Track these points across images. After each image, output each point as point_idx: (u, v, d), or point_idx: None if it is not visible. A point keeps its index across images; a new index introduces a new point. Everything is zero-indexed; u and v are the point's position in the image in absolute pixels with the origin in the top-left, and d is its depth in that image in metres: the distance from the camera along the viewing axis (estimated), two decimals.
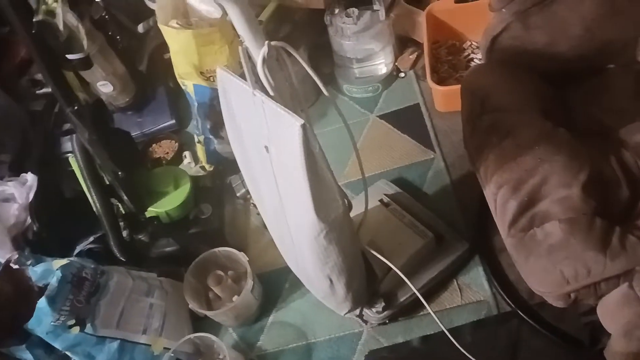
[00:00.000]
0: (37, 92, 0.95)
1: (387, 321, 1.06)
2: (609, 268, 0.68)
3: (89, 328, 0.93)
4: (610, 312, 0.69)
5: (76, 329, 0.91)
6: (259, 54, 0.55)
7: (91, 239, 1.25)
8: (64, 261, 0.94)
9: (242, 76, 0.65)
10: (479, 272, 1.09)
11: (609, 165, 0.85)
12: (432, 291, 1.07)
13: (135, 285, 1.02)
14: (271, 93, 0.59)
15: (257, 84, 0.59)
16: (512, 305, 1.02)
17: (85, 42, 0.88)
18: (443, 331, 1.02)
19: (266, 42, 0.53)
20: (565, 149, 0.83)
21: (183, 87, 1.25)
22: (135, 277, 1.04)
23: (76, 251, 1.24)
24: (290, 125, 0.57)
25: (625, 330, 0.68)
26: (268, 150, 0.67)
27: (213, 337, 1.00)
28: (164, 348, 1.03)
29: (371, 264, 0.97)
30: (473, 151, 0.89)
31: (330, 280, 0.85)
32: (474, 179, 1.20)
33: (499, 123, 0.87)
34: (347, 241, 0.78)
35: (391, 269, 1.02)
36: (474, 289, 1.07)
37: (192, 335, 1.01)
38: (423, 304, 1.05)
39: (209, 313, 1.04)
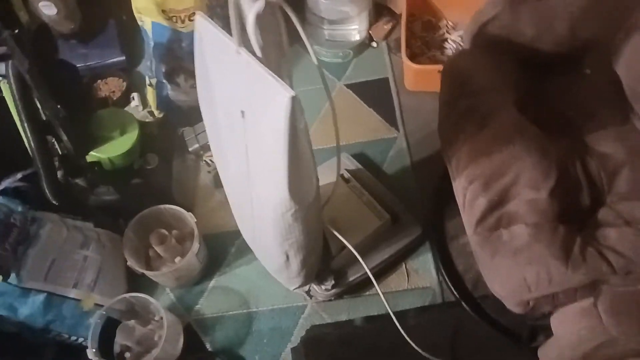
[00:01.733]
0: None
1: (333, 298, 1.04)
2: (569, 279, 0.69)
3: (13, 278, 0.85)
4: (566, 323, 0.70)
5: None
6: (252, 7, 0.47)
7: (19, 175, 1.13)
8: None
9: (224, 28, 0.57)
10: (428, 258, 1.09)
11: (574, 170, 0.86)
12: (381, 272, 1.06)
13: (70, 235, 0.93)
14: (258, 54, 0.52)
15: (243, 41, 0.52)
16: (457, 296, 1.04)
17: None
18: (387, 313, 1.02)
19: None
20: (537, 148, 0.82)
21: (140, 23, 1.13)
22: (70, 227, 0.95)
23: (0, 187, 1.12)
24: (277, 95, 0.51)
25: (573, 342, 0.69)
26: (243, 116, 0.61)
27: (150, 299, 0.94)
28: (96, 305, 0.96)
29: (327, 240, 0.93)
30: (446, 137, 0.87)
31: (287, 256, 0.81)
32: (435, 163, 1.20)
33: (475, 108, 0.85)
34: (313, 220, 0.74)
35: (345, 246, 1.00)
36: (421, 275, 1.08)
37: (127, 295, 0.94)
38: (370, 283, 1.04)
39: (148, 273, 0.98)
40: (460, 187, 0.81)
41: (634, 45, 0.91)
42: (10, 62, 0.91)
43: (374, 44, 1.37)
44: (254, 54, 0.53)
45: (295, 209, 0.67)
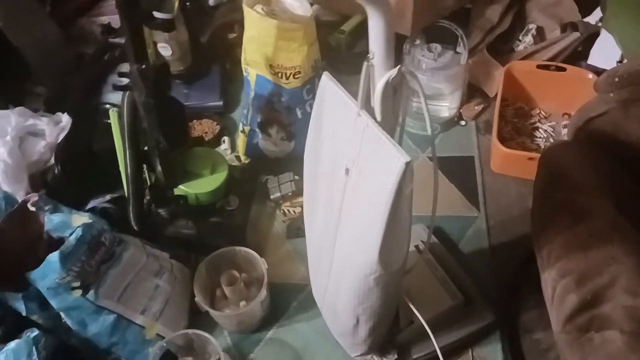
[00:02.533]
0: (110, 39, 0.89)
1: None
2: None
3: (91, 295, 0.87)
4: None
5: (78, 292, 0.85)
6: (383, 74, 0.49)
7: (108, 197, 1.20)
8: (85, 218, 0.88)
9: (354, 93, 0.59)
10: (497, 349, 1.03)
11: None
12: (446, 355, 1.00)
13: (148, 262, 0.96)
14: (378, 119, 0.54)
15: (365, 105, 0.54)
16: None
17: (176, 4, 0.83)
18: None
19: (399, 66, 0.48)
20: (637, 251, 0.78)
21: (245, 74, 1.20)
22: (149, 254, 0.98)
23: (89, 206, 1.19)
24: (392, 159, 0.52)
25: None
26: (348, 173, 0.62)
27: (211, 338, 0.93)
28: (157, 335, 0.97)
29: (398, 311, 0.91)
30: (539, 226, 0.84)
31: (357, 320, 0.80)
32: (513, 250, 1.17)
33: (573, 204, 0.83)
34: (393, 288, 0.73)
35: (413, 321, 0.96)
36: None
37: (190, 331, 0.95)
38: None
39: (212, 312, 0.98)
40: (550, 279, 0.77)
41: None
42: (128, 93, 0.99)
43: (463, 123, 1.38)
44: (373, 117, 0.54)
45: (380, 274, 0.66)
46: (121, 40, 0.86)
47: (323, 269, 0.82)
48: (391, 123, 0.56)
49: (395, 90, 0.53)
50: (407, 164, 0.51)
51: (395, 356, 0.95)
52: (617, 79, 0.82)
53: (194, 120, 1.40)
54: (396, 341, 0.96)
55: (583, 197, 0.83)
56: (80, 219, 0.88)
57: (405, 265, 0.72)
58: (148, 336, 0.95)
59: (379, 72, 0.50)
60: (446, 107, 1.36)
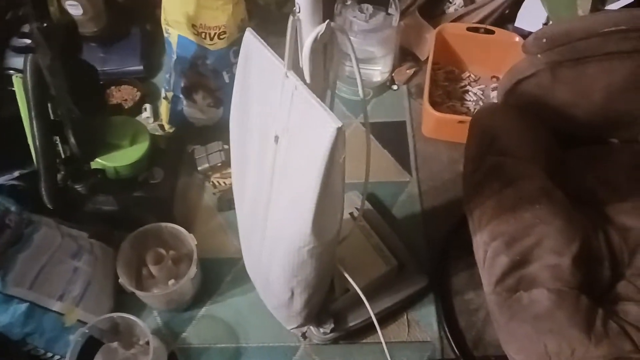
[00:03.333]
0: None
1: (328, 342, 0.99)
2: (591, 353, 0.65)
3: None
4: None
5: None
6: (311, 30, 0.45)
7: (16, 174, 1.09)
8: None
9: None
10: (431, 310, 1.05)
11: (596, 240, 0.84)
12: (381, 321, 1.00)
13: (64, 243, 0.88)
14: (307, 80, 0.50)
15: (293, 66, 0.50)
16: (457, 353, 0.99)
17: None
18: None
19: (327, 20, 0.44)
20: (563, 213, 0.80)
21: (165, 35, 1.11)
22: (65, 235, 0.90)
23: None
24: (323, 124, 0.49)
25: None
26: (277, 141, 0.57)
27: (138, 321, 0.88)
28: (78, 321, 0.90)
29: (333, 280, 0.89)
30: (471, 191, 0.84)
31: (292, 293, 0.77)
32: (445, 214, 1.18)
33: (504, 168, 0.83)
34: (327, 259, 0.70)
35: (348, 289, 0.95)
36: (422, 327, 1.03)
37: (114, 314, 0.89)
38: (368, 330, 1.00)
39: (139, 293, 0.92)
40: (481, 242, 0.78)
41: None
42: (30, 55, 0.88)
43: (395, 87, 1.36)
44: (302, 79, 0.50)
45: (313, 245, 0.64)
46: None
47: (255, 241, 0.78)
48: (321, 85, 0.52)
49: (325, 49, 0.49)
50: (339, 130, 0.47)
51: (332, 325, 0.94)
52: (544, 40, 0.82)
53: (112, 87, 1.29)
54: (332, 310, 0.95)
55: (512, 161, 0.84)
56: None
57: (339, 235, 0.69)
58: (68, 323, 0.88)
59: (307, 28, 0.46)
60: (378, 71, 1.34)
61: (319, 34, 0.45)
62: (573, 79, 0.85)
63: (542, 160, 0.85)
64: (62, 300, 0.87)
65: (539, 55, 0.84)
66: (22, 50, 0.85)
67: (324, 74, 0.52)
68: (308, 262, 0.68)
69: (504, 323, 0.70)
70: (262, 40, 0.54)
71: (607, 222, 0.88)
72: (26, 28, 1.26)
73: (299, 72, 0.50)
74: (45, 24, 0.77)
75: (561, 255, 0.76)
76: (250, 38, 0.55)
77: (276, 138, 0.57)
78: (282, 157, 0.58)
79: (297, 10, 0.47)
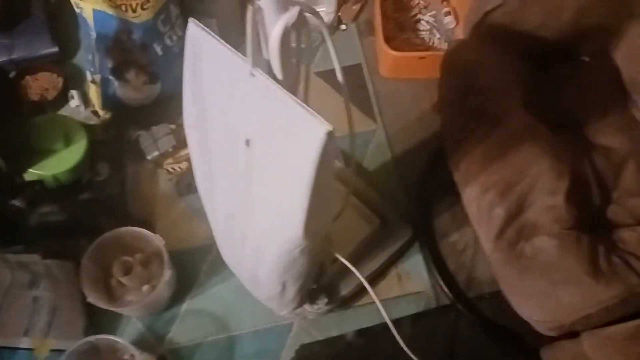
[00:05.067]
0: None
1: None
2: (603, 296, 0.64)
3: None
4: (612, 346, 0.65)
5: None
6: (277, 19, 0.36)
7: None
8: None
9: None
10: (419, 260, 1.03)
11: (583, 168, 0.82)
12: (373, 283, 0.98)
13: (16, 277, 0.78)
14: (279, 76, 0.41)
15: (260, 61, 0.40)
16: (452, 298, 0.98)
17: None
18: (379, 324, 0.95)
19: (298, 7, 0.35)
20: (550, 148, 0.77)
21: (77, 10, 0.95)
22: (14, 267, 0.79)
23: None
24: (310, 128, 0.41)
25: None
26: (248, 144, 0.49)
27: (118, 339, 0.81)
28: (52, 350, 0.82)
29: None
30: (453, 139, 0.79)
31: (284, 286, 0.72)
32: (416, 156, 1.13)
33: (485, 109, 0.78)
34: (318, 250, 0.64)
35: (335, 259, 0.91)
36: (413, 278, 1.01)
37: (91, 338, 0.81)
38: (360, 294, 0.97)
39: (115, 309, 0.84)
40: (473, 196, 0.74)
41: (633, 34, 0.87)
42: None
43: (343, 27, 1.26)
44: (271, 75, 0.41)
45: (305, 245, 0.57)
46: None
47: (234, 241, 0.71)
48: (293, 80, 0.43)
49: (296, 38, 0.40)
50: (329, 134, 0.40)
51: (326, 299, 0.89)
52: None
53: (27, 77, 1.12)
54: (323, 283, 0.90)
55: (493, 100, 0.78)
56: None
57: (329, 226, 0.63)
58: (40, 357, 0.80)
59: (271, 16, 0.36)
60: (323, 12, 1.22)
61: (290, 23, 0.36)
62: (541, 1, 0.79)
63: (520, 93, 0.80)
64: (28, 336, 0.79)
65: None
66: None
67: (296, 67, 0.43)
68: (299, 259, 0.62)
69: (514, 282, 0.67)
70: (212, 33, 0.44)
71: (589, 146, 0.86)
72: None
73: (263, 66, 0.41)
74: None
75: (555, 195, 0.73)
76: (197, 31, 0.45)
77: (247, 141, 0.48)
78: (258, 163, 0.50)
79: None
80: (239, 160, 0.52)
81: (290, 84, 0.42)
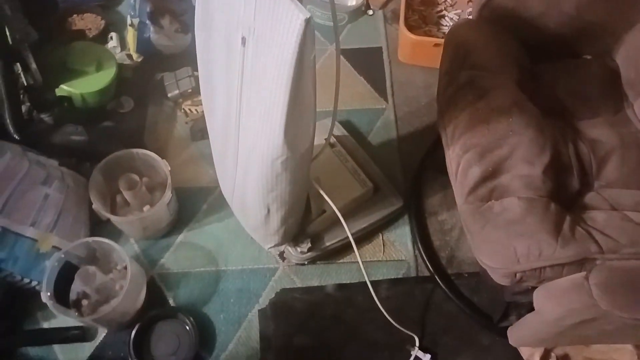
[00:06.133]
0: None
1: (306, 262, 1.00)
2: (559, 254, 0.68)
3: None
4: (553, 298, 0.68)
5: None
6: None
7: None
8: None
9: None
10: (406, 231, 1.07)
11: (567, 152, 0.85)
12: (357, 241, 1.02)
13: (31, 170, 0.86)
14: None
15: None
16: (432, 271, 1.02)
17: None
18: (358, 282, 1.00)
19: None
20: (534, 125, 0.81)
21: None
22: (33, 161, 0.87)
23: None
24: (289, 16, 0.47)
25: (557, 318, 0.68)
26: (244, 43, 0.55)
27: (115, 245, 0.88)
28: (54, 247, 0.89)
29: (309, 203, 0.90)
30: (444, 105, 0.84)
31: (268, 210, 0.77)
32: (420, 139, 1.18)
33: (477, 81, 0.83)
34: (301, 174, 0.70)
35: (325, 210, 0.96)
36: (397, 247, 1.05)
37: (90, 239, 0.88)
38: (344, 251, 1.02)
39: (114, 218, 0.91)
40: (454, 155, 0.78)
41: (635, 38, 0.91)
42: None
43: (370, 12, 1.33)
44: None
45: (287, 157, 0.63)
46: None
47: (229, 162, 0.77)
48: None
49: None
50: (307, 21, 0.46)
51: (309, 245, 0.95)
52: None
53: (74, 15, 1.23)
54: (308, 231, 0.96)
55: (485, 74, 0.83)
56: None
57: (312, 148, 0.69)
58: (42, 249, 0.87)
59: None
60: None
61: None
62: None
63: (514, 73, 0.85)
64: (35, 227, 0.86)
65: None
66: None
67: None
68: (282, 175, 0.67)
69: (477, 230, 0.72)
70: None
71: (576, 134, 0.89)
72: None
73: None
74: None
75: (533, 165, 0.77)
76: None
77: (243, 40, 0.55)
78: (250, 61, 0.57)
79: None
80: (236, 62, 0.58)
81: None
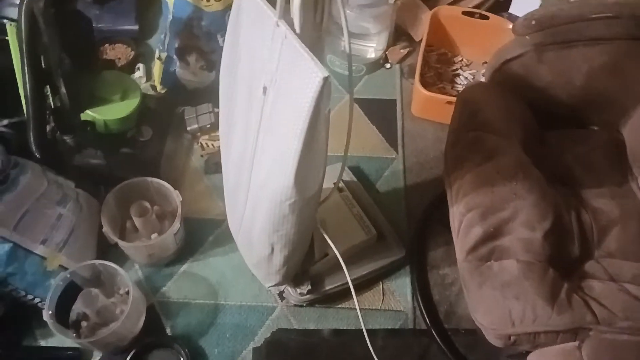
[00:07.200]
0: None
1: (304, 304, 1.01)
2: (554, 321, 0.68)
3: None
4: None
5: None
6: None
7: (5, 122, 1.09)
8: None
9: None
10: (406, 282, 1.08)
11: (569, 219, 0.87)
12: (357, 288, 1.03)
13: (49, 189, 0.89)
14: (297, 30, 0.51)
15: (284, 15, 0.51)
16: (429, 324, 1.02)
17: None
18: (355, 329, 1.00)
19: None
20: (538, 190, 0.83)
21: None
22: (51, 181, 0.91)
23: None
24: (310, 73, 0.50)
25: None
26: (265, 92, 0.59)
27: (119, 269, 0.90)
28: (61, 266, 0.92)
29: (313, 243, 0.92)
30: (451, 163, 0.87)
31: (272, 249, 0.79)
32: (427, 191, 1.21)
33: (484, 142, 0.86)
34: (307, 217, 0.73)
35: (327, 254, 0.98)
36: (396, 297, 1.06)
37: (97, 261, 0.90)
38: (344, 296, 1.03)
39: (122, 243, 0.94)
40: (457, 212, 0.81)
41: None
42: (25, 0, 0.88)
43: (388, 65, 1.38)
44: (292, 29, 0.52)
45: (295, 199, 0.66)
46: None
47: (239, 198, 0.80)
48: (312, 37, 0.53)
49: (318, 1, 0.51)
50: (325, 79, 0.49)
51: (309, 287, 0.96)
52: (534, 22, 0.84)
53: (106, 45, 1.29)
54: (310, 273, 0.97)
55: (492, 136, 0.86)
56: None
57: (320, 192, 0.71)
58: (50, 267, 0.90)
59: None
60: (372, 48, 1.35)
61: None
62: (557, 61, 0.88)
63: (520, 137, 0.88)
64: (45, 245, 0.89)
65: (527, 37, 0.86)
66: None
67: (314, 25, 0.53)
68: (289, 217, 0.70)
69: (474, 288, 0.73)
70: None
71: (580, 202, 0.91)
72: None
73: (290, 22, 0.52)
74: None
75: (534, 230, 0.79)
76: None
77: (264, 89, 0.58)
78: (268, 109, 0.60)
79: None
80: (255, 109, 0.62)
81: (307, 39, 0.52)
